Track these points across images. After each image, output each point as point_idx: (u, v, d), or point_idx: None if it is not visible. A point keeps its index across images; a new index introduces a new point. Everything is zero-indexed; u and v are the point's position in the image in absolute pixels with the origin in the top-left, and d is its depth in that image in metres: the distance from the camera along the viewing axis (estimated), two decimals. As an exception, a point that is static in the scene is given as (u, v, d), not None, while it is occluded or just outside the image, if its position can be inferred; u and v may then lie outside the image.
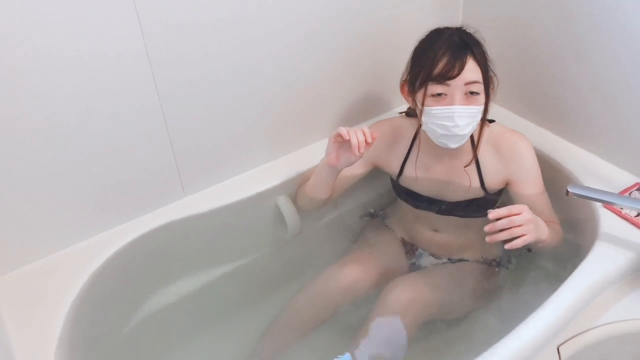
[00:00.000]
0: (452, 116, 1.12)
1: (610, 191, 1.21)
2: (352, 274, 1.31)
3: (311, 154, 1.35)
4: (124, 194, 1.25)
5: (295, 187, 1.41)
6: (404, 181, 1.35)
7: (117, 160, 1.20)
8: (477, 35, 1.17)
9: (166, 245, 1.31)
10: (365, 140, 1.15)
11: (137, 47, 1.10)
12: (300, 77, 1.37)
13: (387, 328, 1.20)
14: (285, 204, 1.40)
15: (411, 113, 1.34)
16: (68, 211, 1.19)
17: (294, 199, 1.42)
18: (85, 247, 1.23)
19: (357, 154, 1.15)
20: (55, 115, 1.07)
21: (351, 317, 1.34)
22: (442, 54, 1.12)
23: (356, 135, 1.14)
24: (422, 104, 1.16)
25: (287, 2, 1.25)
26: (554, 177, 1.36)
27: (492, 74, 1.19)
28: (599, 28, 1.27)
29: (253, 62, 1.27)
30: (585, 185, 1.31)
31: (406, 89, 1.23)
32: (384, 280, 1.35)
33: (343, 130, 1.16)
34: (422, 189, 1.33)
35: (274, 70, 1.32)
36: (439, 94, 1.13)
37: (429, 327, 1.31)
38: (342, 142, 1.19)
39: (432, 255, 1.42)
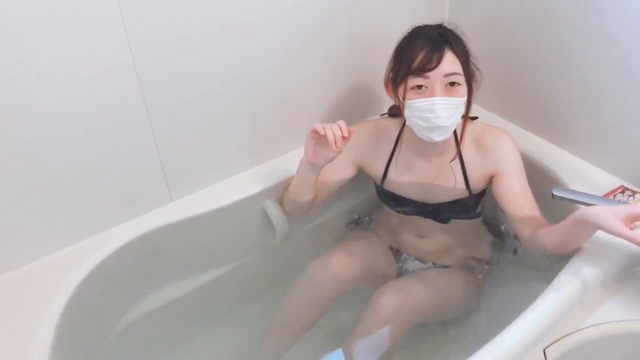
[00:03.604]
0: (433, 108, 1.13)
1: (595, 194, 1.22)
2: (339, 262, 1.30)
3: (298, 158, 1.34)
4: (110, 200, 1.24)
5: (282, 192, 1.41)
6: (388, 185, 1.35)
7: (103, 167, 1.19)
8: (458, 31, 1.19)
9: (153, 251, 1.31)
10: (342, 135, 1.15)
11: (124, 55, 1.10)
12: (286, 81, 1.37)
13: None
14: (272, 209, 1.40)
15: (394, 113, 1.34)
16: (52, 218, 1.18)
17: (281, 203, 1.41)
18: (71, 254, 1.21)
19: (335, 148, 1.15)
20: (41, 125, 1.07)
21: (341, 320, 1.35)
22: (420, 48, 1.14)
23: (332, 130, 1.15)
24: (404, 98, 1.17)
25: (273, 9, 1.25)
26: (539, 180, 1.37)
27: (474, 67, 1.20)
28: (582, 32, 1.28)
29: (239, 68, 1.27)
30: (571, 188, 1.31)
31: (390, 86, 1.24)
32: (371, 275, 1.35)
33: (319, 126, 1.16)
34: (406, 191, 1.33)
35: (259, 76, 1.32)
36: (419, 87, 1.15)
37: (419, 330, 1.31)
38: (319, 139, 1.19)
39: (418, 259, 1.42)
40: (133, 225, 1.28)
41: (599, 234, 1.11)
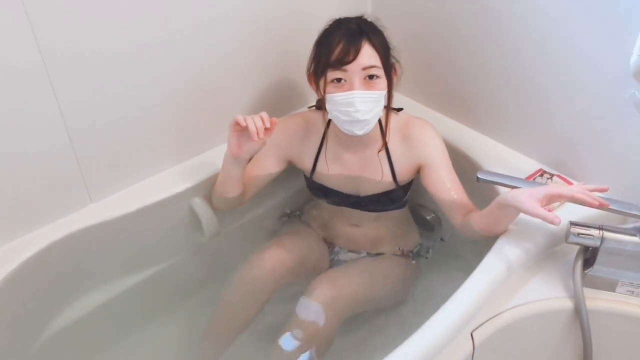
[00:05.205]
0: (353, 101, 1.13)
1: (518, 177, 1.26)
2: (273, 258, 1.29)
3: (224, 153, 1.31)
4: (22, 204, 1.16)
5: (210, 188, 1.37)
6: (318, 177, 1.34)
7: (12, 168, 1.11)
8: (378, 24, 1.19)
9: (76, 255, 1.24)
10: (265, 126, 1.13)
11: (33, 55, 1.04)
12: (208, 73, 1.33)
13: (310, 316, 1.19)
14: (200, 206, 1.36)
15: (321, 105, 1.34)
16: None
17: (209, 201, 1.38)
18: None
19: (257, 139, 1.13)
20: None
21: (272, 316, 1.33)
22: (338, 41, 1.13)
23: (254, 121, 1.12)
24: (324, 92, 1.17)
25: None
26: (463, 165, 1.40)
27: (394, 60, 1.21)
28: (498, 22, 1.31)
29: (157, 60, 1.22)
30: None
31: (312, 79, 1.23)
32: (305, 269, 1.34)
33: (240, 118, 1.13)
34: (335, 183, 1.33)
35: (179, 67, 1.27)
36: (339, 80, 1.14)
37: (347, 322, 1.31)
38: (241, 131, 1.16)
39: (351, 250, 1.43)
40: (49, 230, 1.21)
41: (522, 215, 1.15)
